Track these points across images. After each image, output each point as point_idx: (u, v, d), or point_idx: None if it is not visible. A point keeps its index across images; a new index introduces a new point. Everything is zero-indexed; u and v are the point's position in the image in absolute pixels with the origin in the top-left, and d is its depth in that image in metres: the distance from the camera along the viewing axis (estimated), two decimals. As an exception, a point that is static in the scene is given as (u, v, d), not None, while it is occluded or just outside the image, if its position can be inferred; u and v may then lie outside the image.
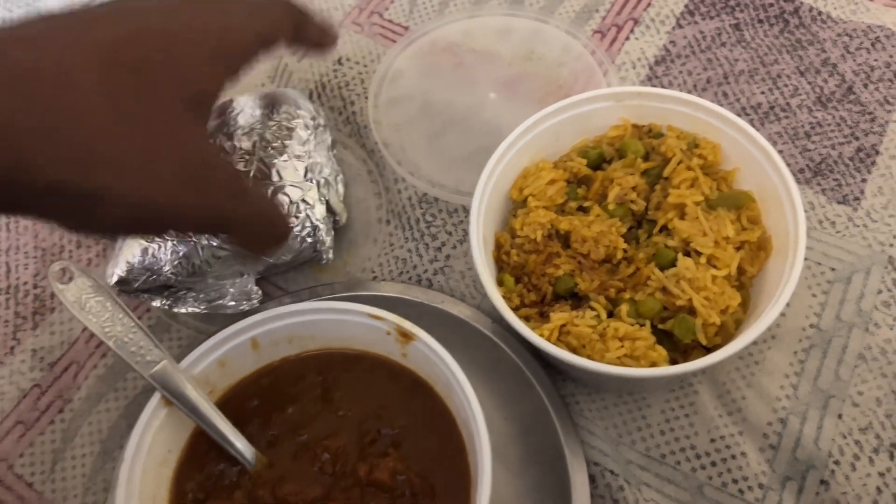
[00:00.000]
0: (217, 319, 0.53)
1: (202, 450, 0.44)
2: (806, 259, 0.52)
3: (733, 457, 0.47)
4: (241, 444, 0.43)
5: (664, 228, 0.46)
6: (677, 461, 0.47)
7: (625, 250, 0.46)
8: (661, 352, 0.42)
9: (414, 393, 0.45)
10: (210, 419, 0.42)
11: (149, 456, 0.41)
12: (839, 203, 0.54)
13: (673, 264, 0.44)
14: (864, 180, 0.55)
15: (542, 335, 0.43)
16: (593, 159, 0.50)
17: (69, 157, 0.30)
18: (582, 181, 0.50)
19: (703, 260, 0.44)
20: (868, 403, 0.47)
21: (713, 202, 0.46)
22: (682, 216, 0.46)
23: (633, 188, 0.47)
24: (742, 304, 0.44)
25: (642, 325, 0.43)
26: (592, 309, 0.44)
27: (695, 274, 0.43)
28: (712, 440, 0.47)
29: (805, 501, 0.45)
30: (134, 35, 0.34)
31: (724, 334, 0.44)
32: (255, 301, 0.53)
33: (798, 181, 0.55)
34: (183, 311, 0.52)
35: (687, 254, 0.45)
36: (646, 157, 0.49)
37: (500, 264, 0.48)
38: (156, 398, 0.42)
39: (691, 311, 0.43)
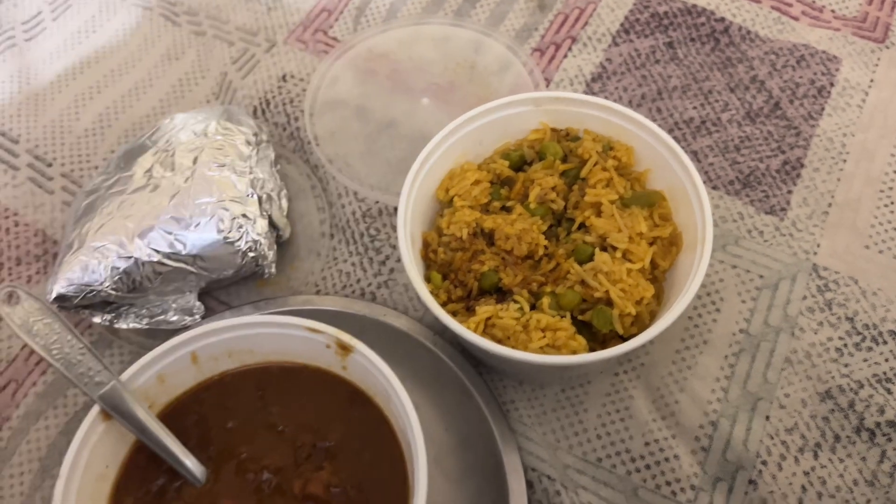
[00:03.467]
0: (159, 335, 0.53)
1: (141, 464, 0.43)
2: (735, 267, 0.54)
3: (666, 459, 0.48)
4: (190, 463, 0.42)
5: (582, 226, 0.49)
6: (613, 464, 0.48)
7: (546, 247, 0.48)
8: (581, 341, 0.44)
9: (352, 405, 0.45)
10: (160, 439, 0.42)
11: (86, 471, 0.41)
12: (767, 213, 0.56)
13: (590, 259, 0.46)
14: (790, 192, 0.57)
15: (468, 328, 0.44)
16: (515, 161, 0.52)
17: None
18: (504, 182, 0.52)
19: (618, 254, 0.46)
20: (794, 405, 0.49)
21: (627, 201, 0.49)
22: (599, 214, 0.48)
23: (553, 188, 0.50)
24: (656, 297, 0.47)
25: (563, 317, 0.45)
26: (516, 302, 0.46)
27: (611, 267, 0.45)
28: (647, 444, 0.49)
29: (734, 501, 0.46)
30: None
31: (640, 325, 0.46)
32: (197, 316, 0.53)
33: (728, 193, 0.57)
34: (124, 326, 0.52)
35: (603, 249, 0.47)
36: (564, 159, 0.51)
37: (428, 262, 0.50)
38: (94, 413, 0.42)
39: (609, 302, 0.45)
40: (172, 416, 0.45)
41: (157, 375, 0.44)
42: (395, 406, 0.42)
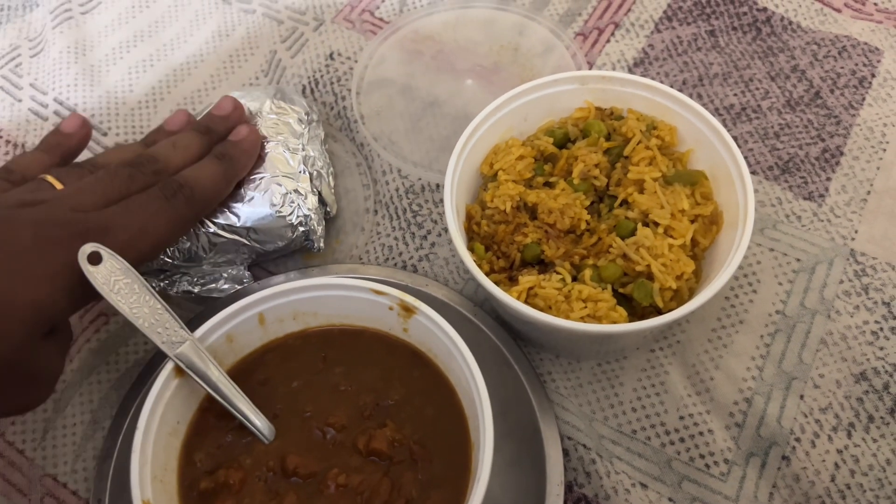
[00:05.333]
0: (208, 301, 0.55)
1: (210, 422, 0.45)
2: (772, 250, 0.55)
3: (701, 433, 0.49)
4: (259, 421, 0.44)
5: (624, 203, 0.50)
6: (647, 437, 0.49)
7: (588, 221, 0.49)
8: (622, 312, 0.45)
9: (412, 365, 0.46)
10: (231, 398, 0.44)
11: (160, 426, 0.42)
12: (805, 199, 0.57)
13: (632, 234, 0.48)
14: (828, 179, 0.58)
15: (511, 296, 0.46)
16: (559, 138, 0.53)
17: None
18: (548, 159, 0.53)
19: (660, 230, 0.47)
20: (828, 385, 0.50)
21: (670, 178, 0.50)
22: (641, 191, 0.49)
23: (596, 165, 0.51)
24: (695, 274, 0.48)
25: (604, 289, 0.46)
26: (558, 273, 0.47)
27: (653, 242, 0.46)
28: (681, 417, 0.50)
29: (767, 476, 0.47)
30: None
31: (679, 300, 0.47)
32: (246, 285, 0.54)
33: (767, 178, 0.58)
34: (177, 292, 0.54)
35: (645, 225, 0.48)
36: (608, 137, 0.52)
37: (471, 234, 0.51)
38: (168, 369, 0.43)
39: (650, 276, 0.46)
40: (239, 375, 0.46)
41: (226, 335, 0.46)
42: (457, 365, 0.44)
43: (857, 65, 0.63)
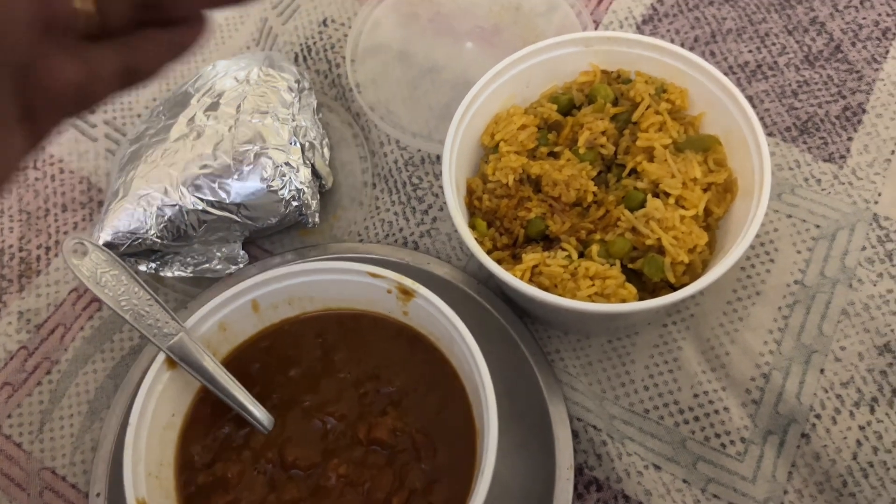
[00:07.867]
0: (203, 283, 0.53)
1: (206, 413, 0.44)
2: (790, 216, 0.52)
3: (716, 412, 0.47)
4: (257, 411, 0.42)
5: (633, 172, 0.47)
6: (660, 416, 0.47)
7: (595, 193, 0.47)
8: (631, 289, 0.43)
9: (414, 350, 0.45)
10: (228, 389, 0.42)
11: (154, 420, 0.41)
12: (825, 161, 0.54)
13: (642, 206, 0.45)
14: (850, 138, 0.55)
15: (514, 275, 0.44)
16: (563, 105, 0.50)
17: None
18: (552, 127, 0.50)
19: (671, 201, 0.45)
20: (850, 358, 0.48)
21: (681, 145, 0.47)
22: (651, 159, 0.47)
23: (603, 133, 0.48)
24: (709, 245, 0.45)
25: (612, 265, 0.44)
26: (563, 250, 0.45)
27: (664, 214, 0.44)
28: (695, 395, 0.48)
29: (786, 455, 0.45)
30: None
31: (692, 274, 0.44)
32: (241, 265, 0.53)
33: (784, 139, 0.55)
34: (169, 274, 0.52)
35: (656, 195, 0.45)
36: (615, 103, 0.49)
37: (472, 210, 0.49)
38: (159, 361, 0.42)
39: (660, 250, 0.44)
40: (234, 365, 0.45)
41: (218, 324, 0.44)
42: (459, 349, 0.42)
43: (879, 15, 0.59)
